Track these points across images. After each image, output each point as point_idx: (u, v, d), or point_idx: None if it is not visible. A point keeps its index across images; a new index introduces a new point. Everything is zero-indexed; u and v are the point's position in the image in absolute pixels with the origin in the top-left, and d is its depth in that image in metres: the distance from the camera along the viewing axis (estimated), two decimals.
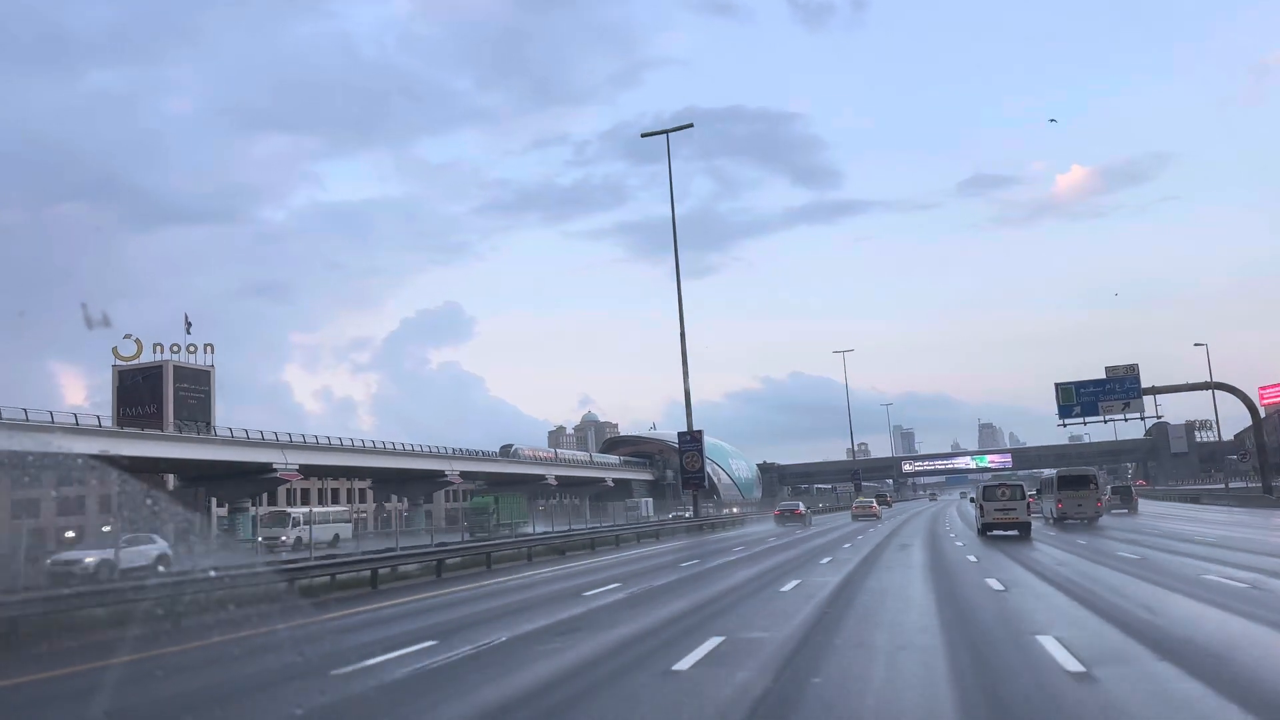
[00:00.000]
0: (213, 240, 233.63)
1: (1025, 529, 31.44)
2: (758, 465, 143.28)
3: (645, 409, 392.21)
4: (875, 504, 67.94)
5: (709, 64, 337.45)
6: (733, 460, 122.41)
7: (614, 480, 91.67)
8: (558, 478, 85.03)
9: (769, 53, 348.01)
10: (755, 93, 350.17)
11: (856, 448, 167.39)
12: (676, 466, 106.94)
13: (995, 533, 31.93)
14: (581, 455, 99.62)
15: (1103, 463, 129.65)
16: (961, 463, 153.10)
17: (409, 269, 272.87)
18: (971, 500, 42.98)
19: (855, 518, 60.78)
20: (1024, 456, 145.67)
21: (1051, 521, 38.73)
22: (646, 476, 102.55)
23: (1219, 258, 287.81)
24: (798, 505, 60.97)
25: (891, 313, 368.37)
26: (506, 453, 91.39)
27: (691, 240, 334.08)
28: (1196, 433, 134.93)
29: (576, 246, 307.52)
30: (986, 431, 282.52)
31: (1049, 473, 47.75)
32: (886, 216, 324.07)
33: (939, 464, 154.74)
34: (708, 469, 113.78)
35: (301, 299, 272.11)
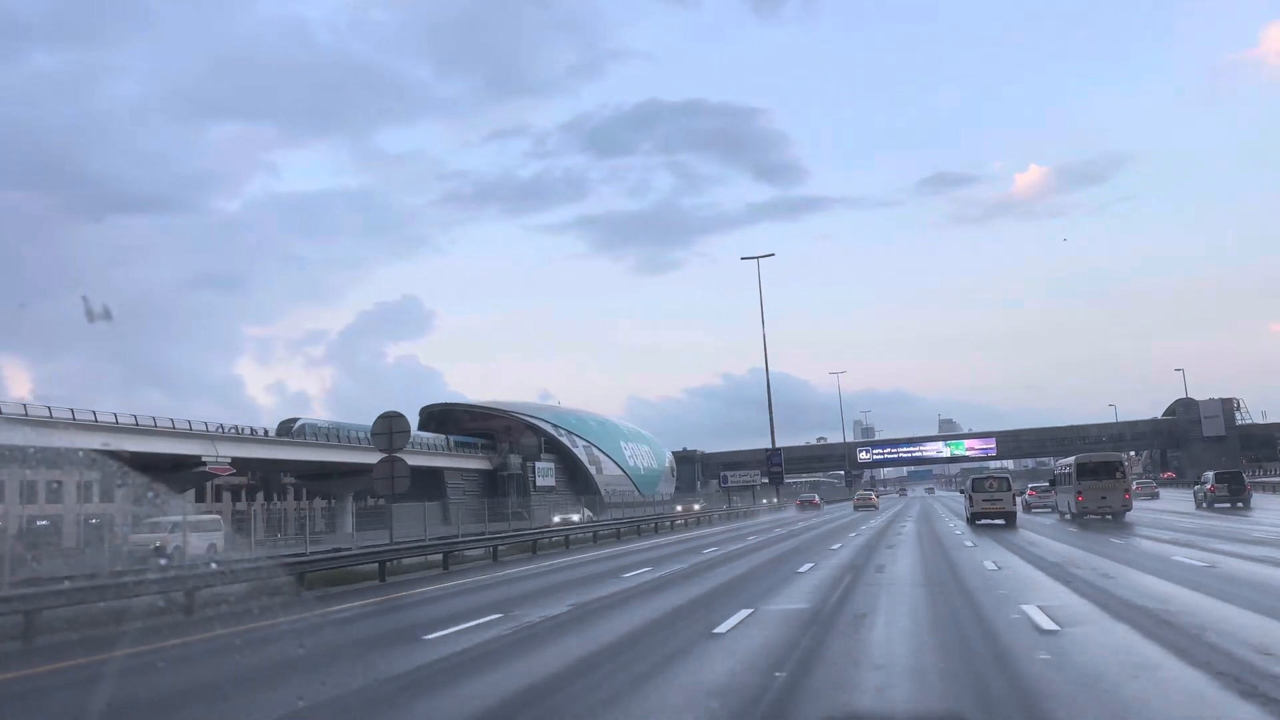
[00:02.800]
0: (162, 230, 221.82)
1: (1011, 518, 34.67)
2: (674, 453, 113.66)
3: (605, 404, 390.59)
4: (874, 495, 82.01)
5: (672, 56, 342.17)
6: (629, 445, 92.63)
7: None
8: (235, 459, 52.24)
9: (731, 47, 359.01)
10: (718, 87, 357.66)
11: (815, 441, 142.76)
12: (533, 450, 77.28)
13: (983, 521, 34.74)
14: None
15: (1106, 448, 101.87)
16: (932, 450, 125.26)
17: (367, 261, 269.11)
18: (961, 492, 50.92)
19: (856, 508, 68.20)
20: (1012, 442, 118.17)
21: (1069, 518, 35.67)
22: (478, 464, 72.49)
23: (1175, 258, 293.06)
24: (814, 497, 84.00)
25: (851, 310, 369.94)
26: (287, 430, 61.21)
27: (654, 236, 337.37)
28: (1236, 413, 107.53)
29: (537, 240, 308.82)
30: (947, 427, 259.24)
31: (1065, 462, 40.79)
32: (848, 214, 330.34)
33: (904, 451, 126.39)
34: (578, 455, 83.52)
35: (255, 291, 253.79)
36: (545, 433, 78.73)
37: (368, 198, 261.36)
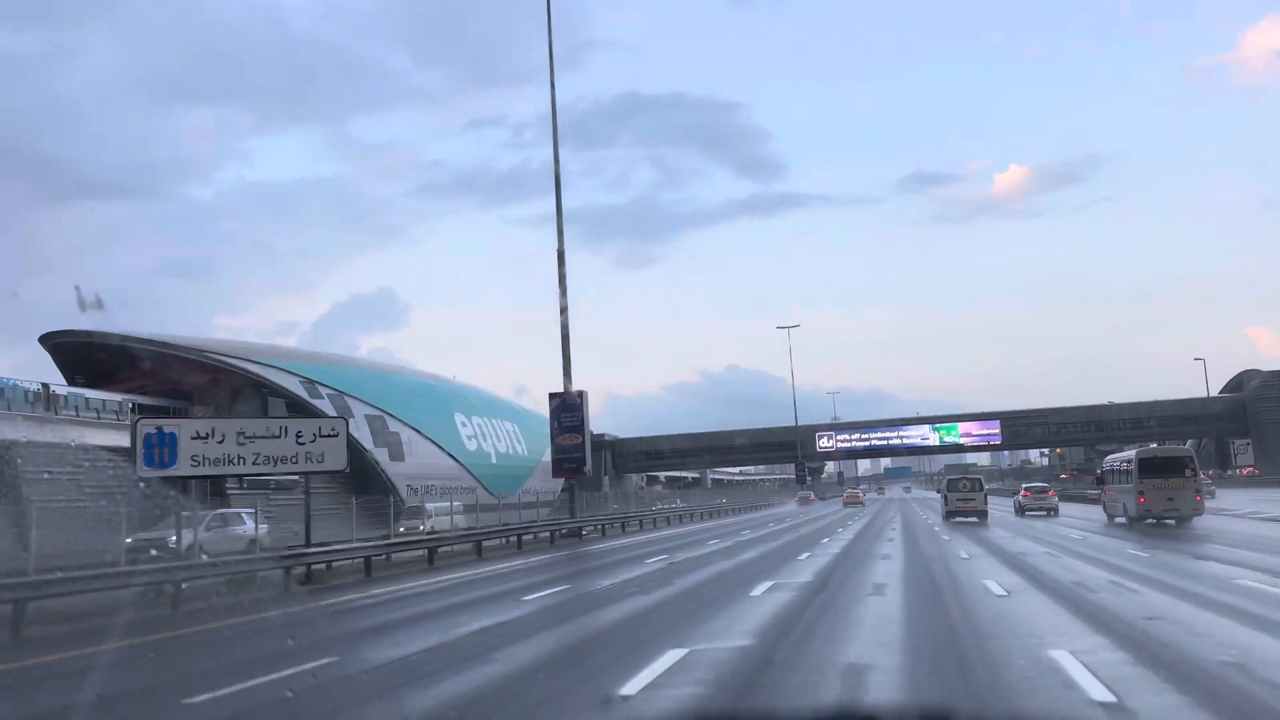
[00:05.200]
0: (131, 217, 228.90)
1: (983, 515, 38.19)
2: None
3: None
4: (861, 494, 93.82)
5: (652, 48, 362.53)
6: (472, 420, 63.06)
7: None
8: None
9: (712, 40, 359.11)
10: (698, 80, 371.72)
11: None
12: (257, 417, 47.43)
13: (958, 519, 37.94)
14: None
15: (1142, 437, 77.83)
16: (914, 436, 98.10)
17: (341, 252, 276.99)
18: (938, 491, 54.34)
19: (845, 505, 77.25)
20: (1022, 426, 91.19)
21: (1129, 522, 31.84)
22: (120, 439, 42.38)
23: (1153, 258, 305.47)
24: (810, 494, 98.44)
25: (829, 307, 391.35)
26: None
27: (633, 230, 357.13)
28: None
29: (515, 233, 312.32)
30: None
31: (1120, 456, 35.55)
32: (828, 211, 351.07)
33: (878, 438, 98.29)
34: (353, 431, 51.70)
35: (226, 280, 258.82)
36: (287, 393, 48.58)
37: (342, 187, 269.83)
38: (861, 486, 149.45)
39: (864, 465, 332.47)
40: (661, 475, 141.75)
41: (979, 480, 42.23)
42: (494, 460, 63.98)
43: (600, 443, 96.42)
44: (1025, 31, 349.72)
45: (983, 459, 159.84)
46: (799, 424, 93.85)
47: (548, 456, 79.19)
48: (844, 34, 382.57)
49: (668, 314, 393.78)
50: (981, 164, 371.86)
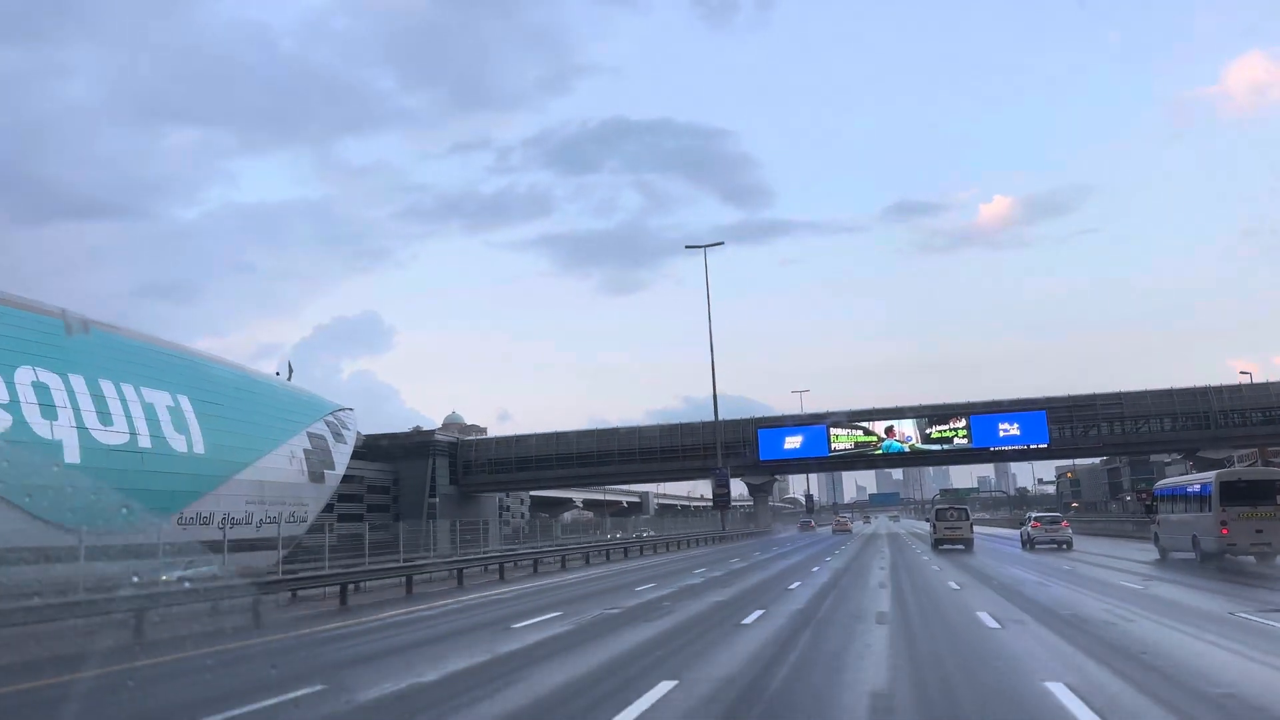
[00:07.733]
0: (114, 236, 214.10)
1: (969, 544, 40.97)
2: (375, 436, 54.45)
3: (566, 424, 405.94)
4: (848, 522, 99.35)
5: (639, 74, 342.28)
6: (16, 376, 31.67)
7: None
8: None
9: (699, 68, 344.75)
10: (685, 106, 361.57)
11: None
12: None
13: (945, 546, 40.50)
14: None
15: (1202, 443, 46.88)
16: (907, 431, 64.93)
17: (326, 275, 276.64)
18: (926, 520, 56.66)
19: (835, 531, 77.59)
20: (1079, 424, 59.82)
21: (1200, 559, 27.29)
22: None
23: (1136, 289, 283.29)
24: (811, 520, 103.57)
25: (813, 335, 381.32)
26: None
27: (621, 255, 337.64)
28: None
29: (499, 257, 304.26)
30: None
31: (1190, 479, 32.15)
32: (813, 239, 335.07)
33: (853, 437, 65.76)
34: None
35: (209, 302, 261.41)
36: None
37: (328, 209, 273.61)
38: (845, 515, 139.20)
39: (849, 491, 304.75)
40: (579, 499, 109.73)
41: (965, 510, 44.67)
42: (74, 458, 31.77)
43: (428, 445, 64.36)
44: (1011, 65, 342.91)
45: (978, 478, 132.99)
46: (738, 418, 61.57)
47: (274, 460, 47.14)
48: (831, 64, 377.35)
49: (653, 340, 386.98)
50: (968, 194, 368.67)
